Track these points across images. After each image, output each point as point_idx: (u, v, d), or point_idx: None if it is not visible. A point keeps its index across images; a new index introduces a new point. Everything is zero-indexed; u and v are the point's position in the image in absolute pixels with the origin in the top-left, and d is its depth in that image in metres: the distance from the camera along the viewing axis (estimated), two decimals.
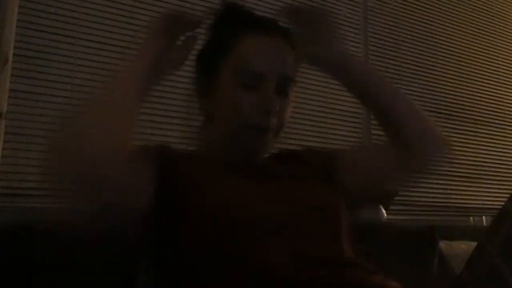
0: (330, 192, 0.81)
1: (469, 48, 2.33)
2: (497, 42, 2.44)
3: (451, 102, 2.20)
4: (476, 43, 2.36)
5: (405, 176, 0.89)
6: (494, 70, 2.38)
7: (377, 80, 0.88)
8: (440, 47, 2.25)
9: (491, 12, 2.47)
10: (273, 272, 0.64)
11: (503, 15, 2.51)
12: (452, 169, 2.11)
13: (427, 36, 2.22)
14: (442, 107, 2.16)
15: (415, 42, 2.18)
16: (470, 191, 2.14)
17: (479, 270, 0.74)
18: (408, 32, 2.18)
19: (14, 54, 1.36)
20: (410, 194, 1.98)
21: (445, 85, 2.20)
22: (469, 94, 2.26)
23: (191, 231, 0.71)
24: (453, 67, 2.25)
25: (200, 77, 0.83)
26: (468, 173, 2.16)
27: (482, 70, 2.34)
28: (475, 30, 2.39)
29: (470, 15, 2.39)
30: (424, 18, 2.24)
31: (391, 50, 2.11)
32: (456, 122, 2.19)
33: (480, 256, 0.76)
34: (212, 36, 0.84)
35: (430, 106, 2.13)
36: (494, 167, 2.23)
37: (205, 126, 0.87)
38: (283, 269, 0.65)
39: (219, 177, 0.76)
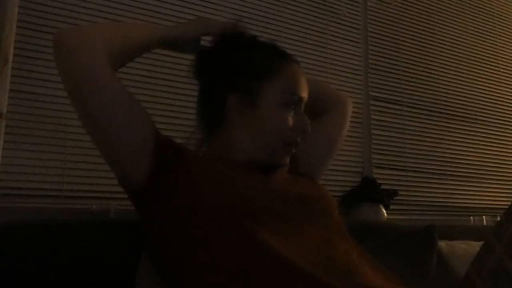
0: (321, 188, 0.93)
1: (469, 48, 2.33)
2: (497, 42, 2.44)
3: (451, 102, 2.20)
4: (476, 43, 2.37)
5: (339, 131, 1.11)
6: (494, 70, 2.39)
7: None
8: (440, 47, 2.25)
9: (491, 12, 2.47)
10: (286, 259, 0.69)
11: (503, 15, 2.51)
12: (452, 169, 2.11)
13: (427, 36, 2.22)
14: (442, 106, 2.16)
15: (415, 42, 2.18)
16: (470, 191, 2.14)
17: (487, 269, 0.74)
18: (408, 32, 2.18)
19: (14, 54, 1.36)
20: (410, 194, 1.99)
21: (445, 85, 2.20)
22: (469, 94, 2.26)
23: (208, 224, 0.73)
24: (453, 67, 2.25)
25: (236, 92, 0.88)
26: (469, 173, 2.16)
27: (482, 70, 2.34)
28: (475, 30, 2.39)
29: (470, 15, 2.39)
30: (424, 18, 2.24)
31: (391, 50, 2.11)
32: (456, 122, 2.19)
33: (487, 254, 0.76)
34: (253, 58, 0.90)
35: (431, 106, 2.13)
36: (494, 167, 2.23)
37: (218, 134, 0.90)
38: (297, 257, 0.69)
39: (235, 173, 0.82)
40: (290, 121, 0.87)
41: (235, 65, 0.90)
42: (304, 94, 0.90)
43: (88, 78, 0.75)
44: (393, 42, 2.12)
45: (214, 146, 0.91)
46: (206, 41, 0.94)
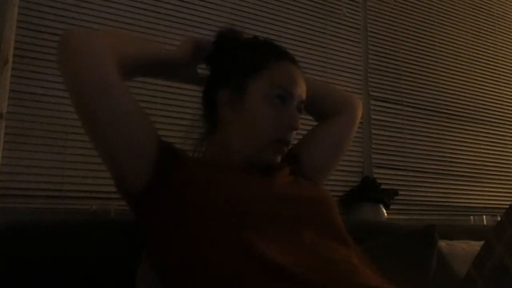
0: (322, 190, 0.91)
1: (469, 48, 2.33)
2: (497, 42, 2.44)
3: (452, 102, 2.20)
4: (476, 43, 2.37)
5: (346, 135, 1.07)
6: (495, 70, 2.39)
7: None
8: (440, 47, 2.25)
9: (491, 12, 2.47)
10: (279, 260, 0.68)
11: (503, 15, 2.51)
12: (452, 169, 2.11)
13: (427, 36, 2.23)
14: (442, 106, 2.17)
15: (415, 42, 2.18)
16: (470, 190, 2.14)
17: (488, 268, 0.74)
18: (408, 32, 2.18)
19: (14, 54, 1.36)
20: (410, 194, 1.99)
21: (445, 85, 2.20)
22: (469, 94, 2.26)
23: (206, 226, 0.73)
24: (453, 66, 2.25)
25: (225, 89, 0.88)
26: (469, 172, 2.16)
27: (482, 70, 2.34)
28: (475, 30, 2.39)
29: (470, 15, 2.39)
30: (424, 18, 2.24)
31: (391, 50, 2.11)
32: (456, 122, 2.19)
33: (488, 254, 0.76)
34: (243, 56, 0.90)
35: (431, 106, 2.13)
36: (494, 166, 2.23)
37: (216, 133, 0.90)
38: (288, 259, 0.69)
39: (234, 176, 0.81)
40: (277, 116, 0.84)
41: (225, 62, 0.90)
42: (297, 91, 0.87)
43: (95, 81, 0.73)
44: (393, 42, 2.12)
45: (213, 147, 0.91)
46: (203, 69, 0.95)
